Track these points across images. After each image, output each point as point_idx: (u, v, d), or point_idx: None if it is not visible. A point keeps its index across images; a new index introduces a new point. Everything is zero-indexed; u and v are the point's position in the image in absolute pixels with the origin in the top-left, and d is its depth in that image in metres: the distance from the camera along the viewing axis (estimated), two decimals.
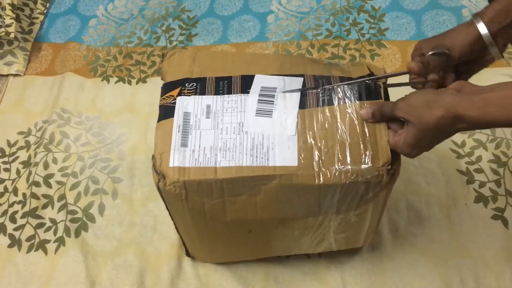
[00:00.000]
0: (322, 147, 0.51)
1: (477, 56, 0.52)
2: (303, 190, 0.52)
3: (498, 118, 0.41)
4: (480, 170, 0.82)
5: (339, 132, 0.52)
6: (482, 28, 0.50)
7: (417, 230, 0.76)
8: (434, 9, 1.07)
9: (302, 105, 0.54)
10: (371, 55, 1.00)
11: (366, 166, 0.50)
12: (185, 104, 0.54)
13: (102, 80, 1.02)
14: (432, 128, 0.45)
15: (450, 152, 0.84)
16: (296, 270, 0.73)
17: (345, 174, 0.50)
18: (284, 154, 0.51)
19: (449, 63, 0.52)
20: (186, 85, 0.56)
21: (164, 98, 0.56)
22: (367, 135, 0.51)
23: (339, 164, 0.50)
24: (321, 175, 0.50)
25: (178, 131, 0.52)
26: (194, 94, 0.55)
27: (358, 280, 0.72)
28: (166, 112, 0.54)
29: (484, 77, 0.91)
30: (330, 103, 0.53)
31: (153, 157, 0.52)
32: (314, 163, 0.51)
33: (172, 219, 0.61)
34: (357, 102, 0.53)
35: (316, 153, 0.51)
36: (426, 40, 0.54)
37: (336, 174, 0.50)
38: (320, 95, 0.54)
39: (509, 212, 0.77)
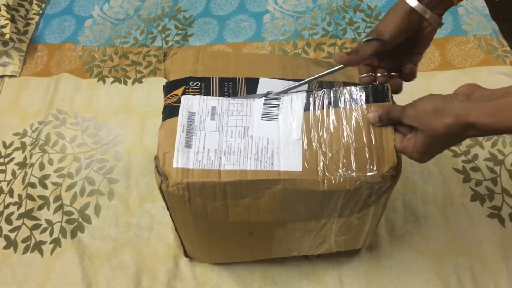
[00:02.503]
0: (327, 151, 0.51)
1: (416, 31, 0.51)
2: (307, 195, 0.51)
3: (511, 125, 0.40)
4: (476, 169, 0.82)
5: (345, 136, 0.51)
6: (412, 1, 0.49)
7: (414, 229, 0.76)
8: None
9: (307, 107, 0.53)
10: None
11: (371, 173, 0.49)
12: (190, 103, 0.54)
13: (98, 81, 1.02)
14: (442, 135, 0.44)
15: (446, 151, 0.83)
16: (294, 270, 0.73)
17: (350, 180, 0.50)
18: (288, 159, 0.51)
19: (385, 47, 0.51)
20: (190, 84, 0.55)
21: (168, 98, 0.55)
22: (373, 139, 0.50)
23: (344, 170, 0.50)
24: (325, 181, 0.50)
25: (182, 131, 0.52)
26: (199, 94, 0.54)
27: (356, 280, 0.71)
28: (170, 111, 0.54)
29: (480, 76, 0.92)
30: (336, 105, 0.53)
31: (155, 157, 0.51)
32: (319, 168, 0.50)
33: (173, 220, 0.60)
34: (364, 104, 0.52)
35: (321, 157, 0.51)
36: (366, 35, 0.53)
37: (341, 180, 0.50)
38: (326, 97, 0.53)
39: (506, 210, 0.77)
